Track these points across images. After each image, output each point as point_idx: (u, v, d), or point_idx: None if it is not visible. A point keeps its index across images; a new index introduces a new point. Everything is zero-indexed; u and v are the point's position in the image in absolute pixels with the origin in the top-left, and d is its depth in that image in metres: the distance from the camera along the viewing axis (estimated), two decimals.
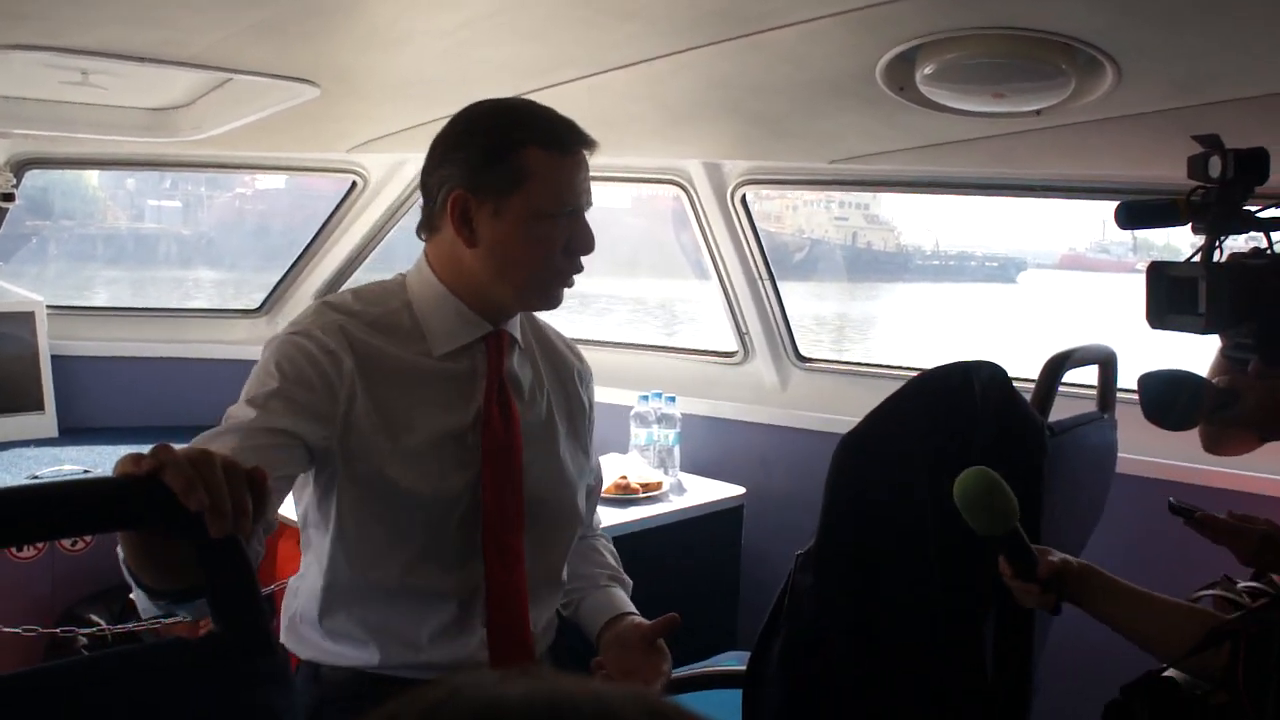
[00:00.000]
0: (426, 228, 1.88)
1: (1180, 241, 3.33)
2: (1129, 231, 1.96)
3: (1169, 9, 1.83)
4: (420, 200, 1.90)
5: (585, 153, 1.83)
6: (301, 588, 1.92)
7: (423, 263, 1.90)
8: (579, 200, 1.82)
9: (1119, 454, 2.56)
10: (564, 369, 2.06)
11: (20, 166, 3.61)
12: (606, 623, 2.01)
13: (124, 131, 3.24)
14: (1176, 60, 2.06)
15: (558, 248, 1.81)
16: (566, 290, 1.90)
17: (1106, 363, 2.52)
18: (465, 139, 1.82)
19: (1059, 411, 2.30)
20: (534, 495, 1.90)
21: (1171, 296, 1.82)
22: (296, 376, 1.74)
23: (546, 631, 2.01)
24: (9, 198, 3.56)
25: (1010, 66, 2.10)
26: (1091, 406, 2.52)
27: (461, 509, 1.83)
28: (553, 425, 1.98)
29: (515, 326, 1.95)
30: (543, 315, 2.06)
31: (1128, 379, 2.58)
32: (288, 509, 1.90)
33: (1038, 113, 2.30)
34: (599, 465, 2.18)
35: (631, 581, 2.14)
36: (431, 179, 1.83)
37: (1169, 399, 1.84)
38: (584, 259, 1.86)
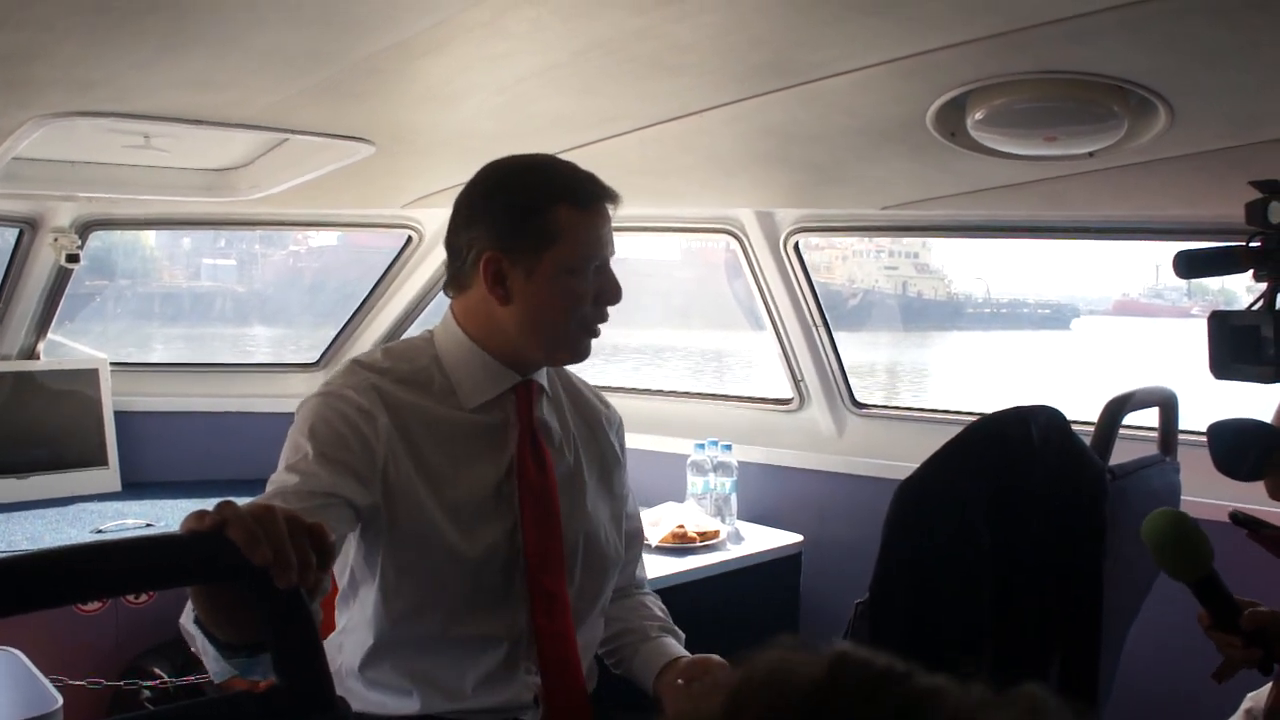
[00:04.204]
0: (454, 285, 1.92)
1: (1236, 285, 3.29)
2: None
3: (1218, 48, 1.82)
4: None
5: (608, 205, 1.87)
6: (345, 642, 1.93)
7: (449, 319, 1.93)
8: (605, 252, 1.87)
9: (1182, 497, 2.52)
10: (593, 417, 2.08)
11: (85, 228, 3.69)
12: (663, 668, 1.99)
13: (185, 192, 3.31)
14: (1229, 100, 2.05)
15: (587, 301, 1.86)
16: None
17: (1167, 405, 2.49)
18: (492, 200, 1.86)
19: (1119, 455, 2.27)
20: (569, 541, 1.92)
21: (1235, 346, 1.80)
22: (332, 438, 1.77)
23: (590, 675, 2.02)
24: (74, 259, 3.63)
25: (1061, 110, 2.10)
26: (1152, 449, 2.49)
27: (502, 557, 1.85)
28: (580, 472, 2.00)
29: (543, 376, 1.98)
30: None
31: (1188, 421, 2.54)
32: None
33: (1090, 155, 2.29)
34: (639, 515, 2.18)
35: (684, 634, 2.12)
36: (459, 239, 1.87)
37: (1240, 450, 1.82)
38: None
